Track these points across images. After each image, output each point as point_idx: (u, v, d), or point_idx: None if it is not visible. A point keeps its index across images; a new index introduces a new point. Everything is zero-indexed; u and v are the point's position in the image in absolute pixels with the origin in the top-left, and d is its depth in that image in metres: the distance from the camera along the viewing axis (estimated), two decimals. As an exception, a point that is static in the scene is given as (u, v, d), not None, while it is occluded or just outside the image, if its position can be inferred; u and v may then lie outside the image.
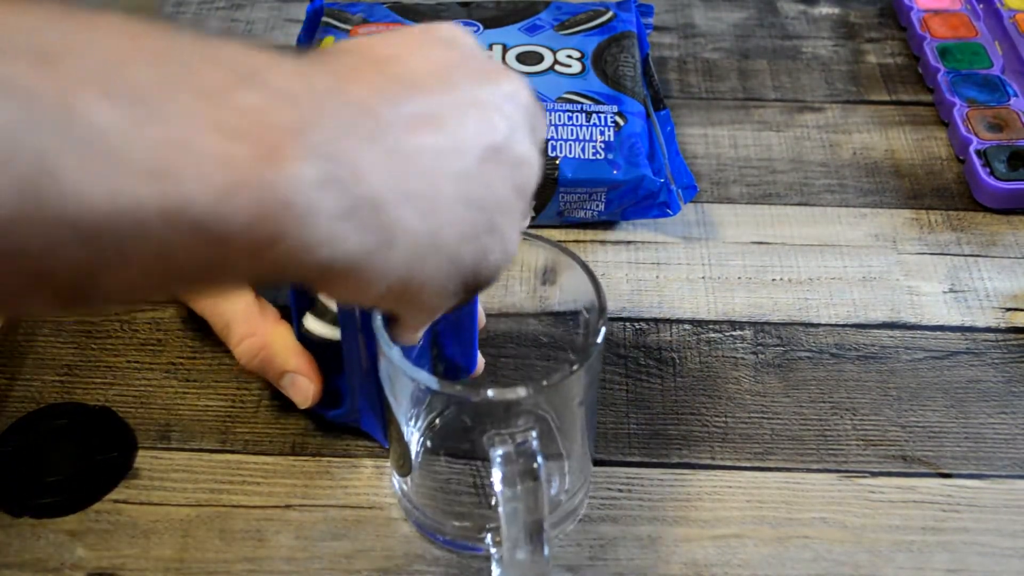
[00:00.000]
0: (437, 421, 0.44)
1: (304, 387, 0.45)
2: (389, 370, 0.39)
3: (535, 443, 0.37)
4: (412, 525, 0.44)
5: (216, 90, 0.23)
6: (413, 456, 0.44)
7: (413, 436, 0.44)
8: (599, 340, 0.39)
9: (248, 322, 0.45)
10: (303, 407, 0.46)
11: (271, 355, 0.45)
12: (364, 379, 0.43)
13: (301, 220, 0.24)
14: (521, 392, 0.37)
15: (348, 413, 0.46)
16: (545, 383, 0.38)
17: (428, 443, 0.44)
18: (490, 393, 0.37)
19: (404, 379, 0.38)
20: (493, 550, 0.42)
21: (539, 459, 0.37)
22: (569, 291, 0.44)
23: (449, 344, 0.45)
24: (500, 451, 0.37)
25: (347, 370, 0.44)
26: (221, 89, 0.23)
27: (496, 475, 0.36)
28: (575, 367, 0.38)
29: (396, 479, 0.45)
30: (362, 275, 0.27)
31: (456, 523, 0.43)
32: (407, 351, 0.39)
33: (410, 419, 0.42)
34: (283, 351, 0.45)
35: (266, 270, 0.25)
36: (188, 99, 0.22)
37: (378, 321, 0.38)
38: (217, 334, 0.46)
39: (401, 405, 0.41)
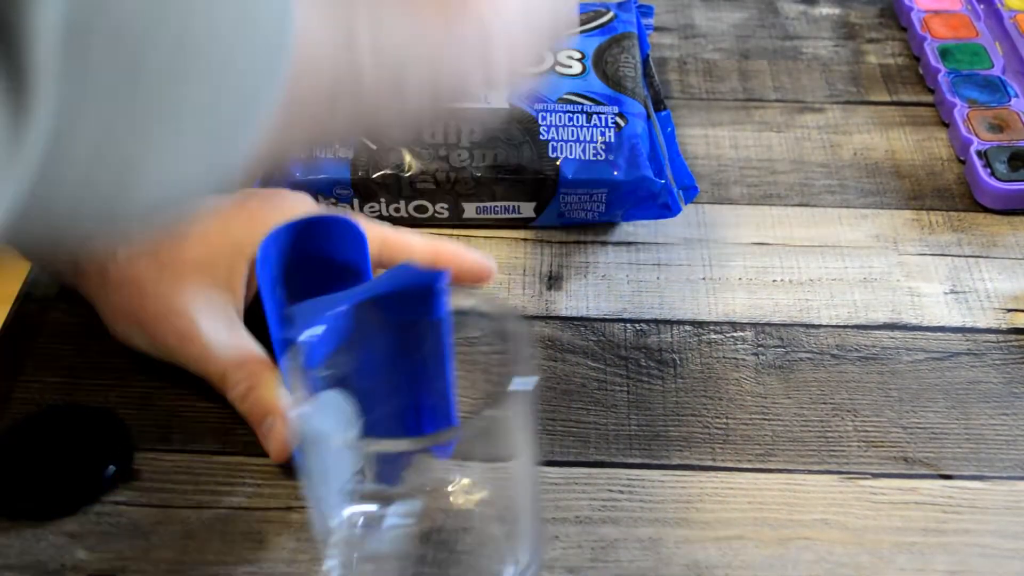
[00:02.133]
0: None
1: (280, 437, 0.45)
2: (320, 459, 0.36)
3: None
4: None
5: None
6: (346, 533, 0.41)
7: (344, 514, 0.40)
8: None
9: (242, 368, 0.46)
10: (276, 460, 0.45)
11: (258, 397, 0.45)
12: None
13: None
14: (405, 444, 0.36)
15: None
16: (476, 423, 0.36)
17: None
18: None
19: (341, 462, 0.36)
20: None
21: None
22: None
23: (425, 396, 0.43)
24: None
25: None
26: None
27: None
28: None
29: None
30: None
31: None
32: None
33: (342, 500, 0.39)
34: (270, 393, 0.45)
35: None
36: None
37: (307, 413, 0.36)
38: (216, 388, 0.47)
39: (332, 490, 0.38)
